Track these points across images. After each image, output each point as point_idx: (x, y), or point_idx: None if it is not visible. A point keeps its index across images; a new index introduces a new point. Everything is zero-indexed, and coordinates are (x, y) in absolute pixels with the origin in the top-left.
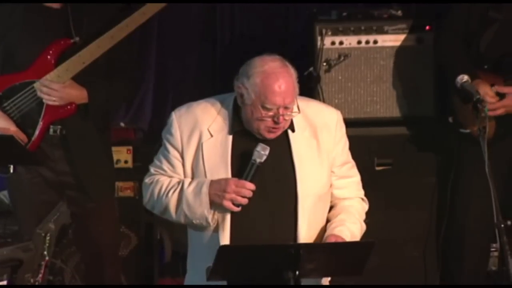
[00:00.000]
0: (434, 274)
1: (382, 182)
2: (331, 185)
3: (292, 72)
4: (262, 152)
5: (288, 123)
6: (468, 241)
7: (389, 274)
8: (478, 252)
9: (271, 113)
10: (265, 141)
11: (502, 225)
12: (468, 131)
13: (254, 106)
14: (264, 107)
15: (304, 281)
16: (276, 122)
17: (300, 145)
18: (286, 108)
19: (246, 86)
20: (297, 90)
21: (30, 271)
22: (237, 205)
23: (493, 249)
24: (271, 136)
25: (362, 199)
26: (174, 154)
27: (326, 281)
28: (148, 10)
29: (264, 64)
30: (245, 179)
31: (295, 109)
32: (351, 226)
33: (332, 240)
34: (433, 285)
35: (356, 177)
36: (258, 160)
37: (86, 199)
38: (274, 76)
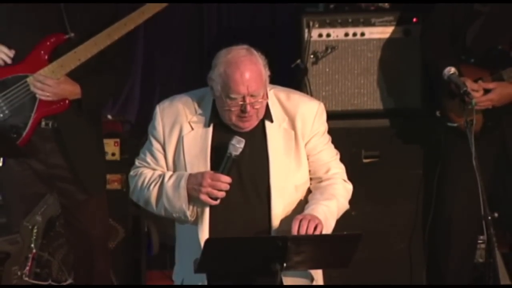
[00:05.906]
0: (420, 266)
1: (369, 174)
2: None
3: (257, 60)
4: (237, 145)
5: (261, 112)
6: (454, 233)
7: (375, 266)
8: (464, 244)
9: (237, 103)
10: (243, 133)
11: (489, 217)
12: (455, 124)
13: (221, 98)
14: (228, 97)
15: (296, 274)
16: (243, 111)
17: (276, 136)
18: (252, 96)
19: (213, 77)
20: (264, 77)
21: (17, 264)
22: (214, 199)
23: (481, 241)
24: (246, 125)
25: (344, 180)
26: (157, 147)
27: (318, 273)
28: (147, 10)
29: (227, 54)
30: (221, 172)
31: (273, 96)
32: (325, 202)
33: (299, 218)
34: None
35: (338, 155)
36: (233, 153)
37: (77, 192)
38: (235, 65)
